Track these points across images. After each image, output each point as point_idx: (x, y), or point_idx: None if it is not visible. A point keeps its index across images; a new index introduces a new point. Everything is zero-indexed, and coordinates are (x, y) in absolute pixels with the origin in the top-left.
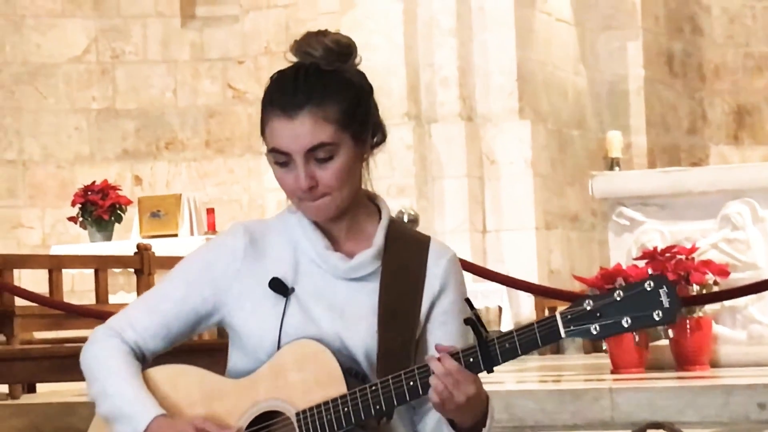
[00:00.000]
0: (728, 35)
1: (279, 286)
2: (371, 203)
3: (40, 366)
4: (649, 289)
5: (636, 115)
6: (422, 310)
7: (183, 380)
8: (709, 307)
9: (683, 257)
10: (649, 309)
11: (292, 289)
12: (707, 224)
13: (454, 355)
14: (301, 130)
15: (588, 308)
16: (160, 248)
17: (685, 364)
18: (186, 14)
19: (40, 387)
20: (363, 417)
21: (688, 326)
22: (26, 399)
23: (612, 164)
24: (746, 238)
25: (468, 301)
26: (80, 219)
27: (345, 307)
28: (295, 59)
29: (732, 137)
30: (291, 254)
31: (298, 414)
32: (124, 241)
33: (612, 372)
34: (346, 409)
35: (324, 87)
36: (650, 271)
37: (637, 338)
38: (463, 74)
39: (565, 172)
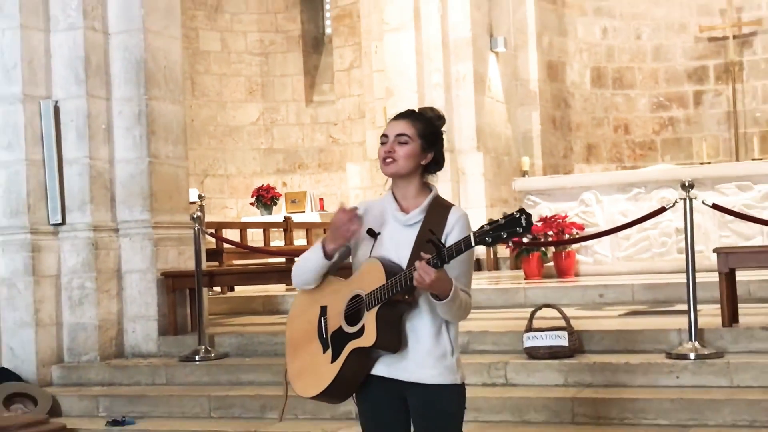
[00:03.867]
0: (583, 108)
1: (371, 233)
2: (427, 188)
3: (236, 277)
4: (517, 216)
5: (537, 149)
6: (441, 240)
7: (328, 281)
8: (574, 246)
9: (561, 221)
10: (515, 227)
11: (379, 233)
12: (573, 204)
13: (428, 260)
14: (397, 127)
15: (488, 227)
16: (296, 218)
17: (563, 275)
18: (308, 99)
19: (237, 288)
20: (392, 293)
21: (563, 255)
22: (229, 295)
23: (524, 174)
24: (593, 211)
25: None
26: (256, 204)
27: (402, 240)
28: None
29: (585, 160)
30: (382, 214)
31: (366, 295)
32: (277, 215)
33: (524, 279)
34: (383, 290)
35: (416, 118)
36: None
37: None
38: (449, 129)
39: (501, 178)
